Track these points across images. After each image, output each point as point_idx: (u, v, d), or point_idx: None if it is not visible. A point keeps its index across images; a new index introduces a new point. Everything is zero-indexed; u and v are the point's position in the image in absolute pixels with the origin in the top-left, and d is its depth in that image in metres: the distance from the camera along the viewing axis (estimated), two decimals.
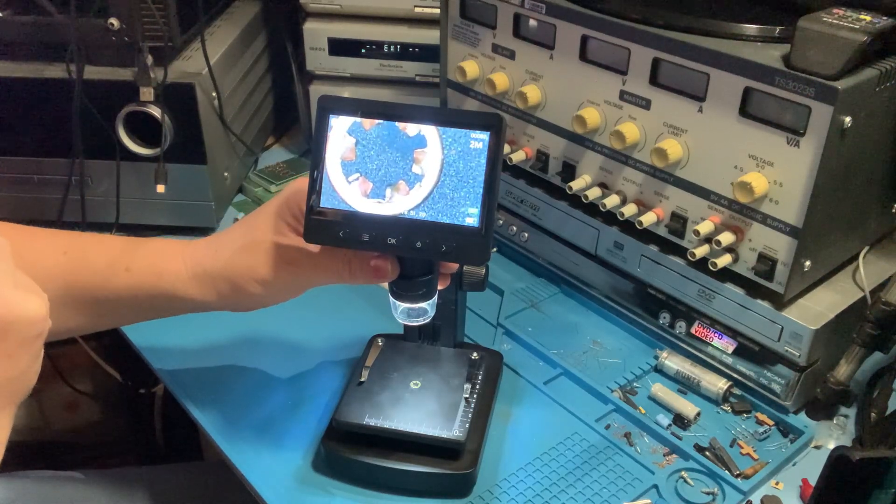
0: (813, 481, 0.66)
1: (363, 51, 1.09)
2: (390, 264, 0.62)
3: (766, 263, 0.72)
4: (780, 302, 0.73)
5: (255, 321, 0.81)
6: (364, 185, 0.55)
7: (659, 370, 0.82)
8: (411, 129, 0.55)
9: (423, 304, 0.65)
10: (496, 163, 0.58)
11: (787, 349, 0.73)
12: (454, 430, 0.68)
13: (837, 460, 0.54)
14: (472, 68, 0.90)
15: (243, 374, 0.80)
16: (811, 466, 0.73)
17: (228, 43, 1.05)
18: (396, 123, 0.57)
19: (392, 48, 1.08)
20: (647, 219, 0.78)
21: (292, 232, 0.64)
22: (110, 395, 1.37)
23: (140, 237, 0.71)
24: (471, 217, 0.58)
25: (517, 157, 0.89)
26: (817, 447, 0.75)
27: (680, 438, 0.74)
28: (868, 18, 0.65)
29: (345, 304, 0.89)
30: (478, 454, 0.69)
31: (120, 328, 0.85)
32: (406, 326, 0.70)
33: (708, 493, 0.70)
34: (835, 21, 0.65)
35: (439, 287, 0.65)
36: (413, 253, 0.59)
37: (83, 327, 0.72)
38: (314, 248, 0.63)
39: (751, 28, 0.72)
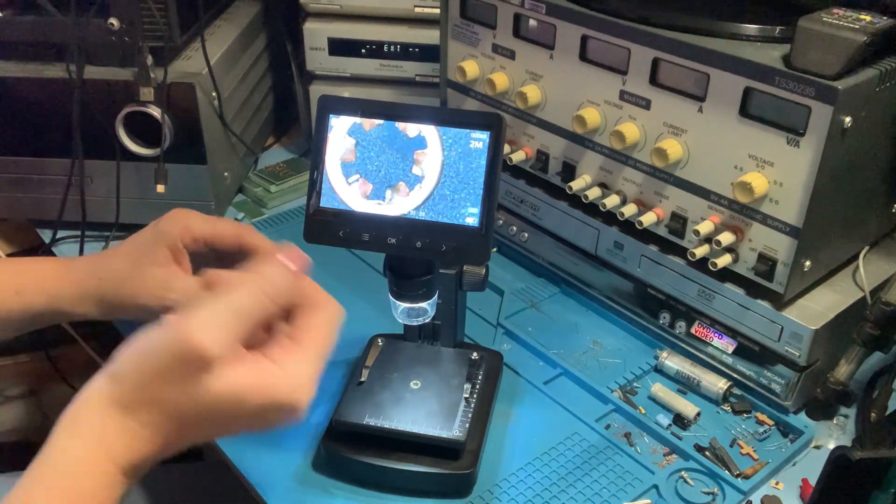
0: (813, 481, 0.66)
1: (363, 51, 1.09)
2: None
3: (766, 263, 0.72)
4: (780, 302, 0.73)
5: None
6: (364, 186, 0.55)
7: (659, 370, 0.82)
8: (411, 130, 0.56)
9: (423, 304, 0.65)
10: (496, 163, 0.58)
11: (787, 349, 0.73)
12: (454, 430, 0.68)
13: (837, 460, 0.54)
14: (472, 68, 0.90)
15: None
16: (811, 466, 0.73)
17: (228, 43, 1.05)
18: (396, 124, 0.57)
19: (392, 48, 1.08)
20: (647, 219, 0.78)
21: (168, 262, 0.69)
22: None
23: (27, 257, 0.76)
24: (471, 217, 0.58)
25: (517, 157, 0.89)
26: (817, 447, 0.75)
27: (680, 438, 0.74)
28: (868, 18, 0.65)
29: (345, 304, 0.89)
30: (478, 454, 0.69)
31: (120, 329, 0.86)
32: (406, 326, 0.70)
33: (708, 493, 0.70)
34: (835, 21, 0.65)
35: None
36: (413, 253, 0.59)
37: None
38: (185, 276, 0.69)
39: (751, 28, 0.72)
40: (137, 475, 0.49)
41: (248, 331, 0.50)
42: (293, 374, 0.50)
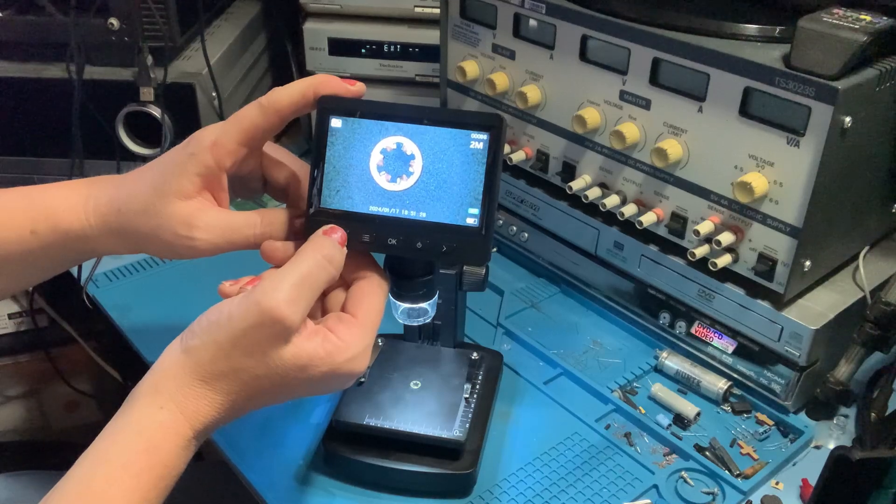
0: (813, 481, 0.66)
1: (363, 51, 1.09)
2: (283, 246, 0.60)
3: (766, 263, 0.72)
4: (780, 302, 0.73)
5: None
6: (386, 175, 0.59)
7: (659, 370, 0.82)
8: (408, 150, 0.59)
9: (424, 305, 0.65)
10: (496, 163, 0.58)
11: (787, 349, 0.73)
12: (454, 431, 0.68)
13: (837, 460, 0.54)
14: (472, 68, 0.90)
15: None
16: (811, 466, 0.73)
17: (228, 43, 1.05)
18: (402, 147, 0.59)
19: (392, 48, 1.08)
20: (647, 219, 0.78)
21: (197, 193, 0.61)
22: (110, 395, 1.37)
23: (36, 185, 0.66)
24: (471, 217, 0.58)
25: (517, 157, 0.89)
26: (817, 447, 0.75)
27: (680, 438, 0.74)
28: (868, 18, 0.65)
29: None
30: (478, 454, 0.69)
31: (120, 328, 0.86)
32: (406, 326, 0.70)
33: (708, 493, 0.70)
34: (835, 21, 0.65)
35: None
36: (413, 254, 0.59)
37: (2, 290, 0.69)
38: (216, 211, 0.61)
39: (751, 28, 0.72)
40: (204, 438, 0.54)
41: (316, 298, 0.55)
42: (351, 344, 0.55)
